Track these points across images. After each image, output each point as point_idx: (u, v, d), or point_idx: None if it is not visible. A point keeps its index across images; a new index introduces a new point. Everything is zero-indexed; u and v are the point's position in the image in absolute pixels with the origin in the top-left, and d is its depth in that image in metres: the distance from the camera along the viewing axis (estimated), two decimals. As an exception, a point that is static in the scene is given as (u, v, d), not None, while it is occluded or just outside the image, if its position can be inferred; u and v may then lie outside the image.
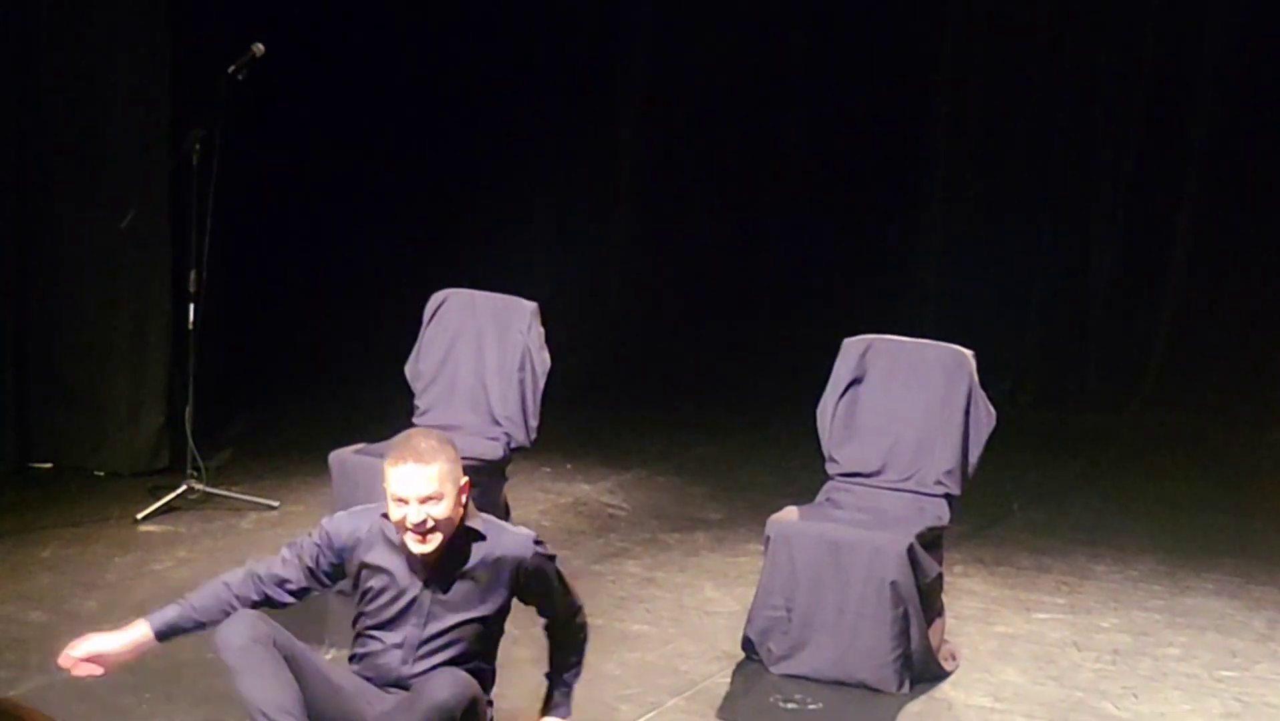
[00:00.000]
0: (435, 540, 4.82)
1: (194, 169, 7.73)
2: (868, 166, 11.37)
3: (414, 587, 4.92)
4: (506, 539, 4.99)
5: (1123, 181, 10.84)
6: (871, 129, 11.29)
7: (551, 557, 5.07)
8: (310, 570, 4.93)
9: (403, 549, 4.89)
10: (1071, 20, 10.79)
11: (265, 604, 4.90)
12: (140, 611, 6.31)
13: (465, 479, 4.90)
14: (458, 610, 4.91)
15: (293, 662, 4.76)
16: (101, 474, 8.36)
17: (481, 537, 4.93)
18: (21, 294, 8.37)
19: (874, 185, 11.37)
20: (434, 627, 4.91)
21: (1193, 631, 7.00)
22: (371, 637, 5.00)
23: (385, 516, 4.89)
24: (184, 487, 7.84)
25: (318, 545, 4.93)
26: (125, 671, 5.78)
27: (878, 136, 11.25)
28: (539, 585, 5.04)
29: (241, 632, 4.72)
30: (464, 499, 4.88)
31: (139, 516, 7.63)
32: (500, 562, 4.94)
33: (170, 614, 4.89)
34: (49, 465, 8.40)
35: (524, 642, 6.40)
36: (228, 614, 4.81)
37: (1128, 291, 10.94)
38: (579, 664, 5.22)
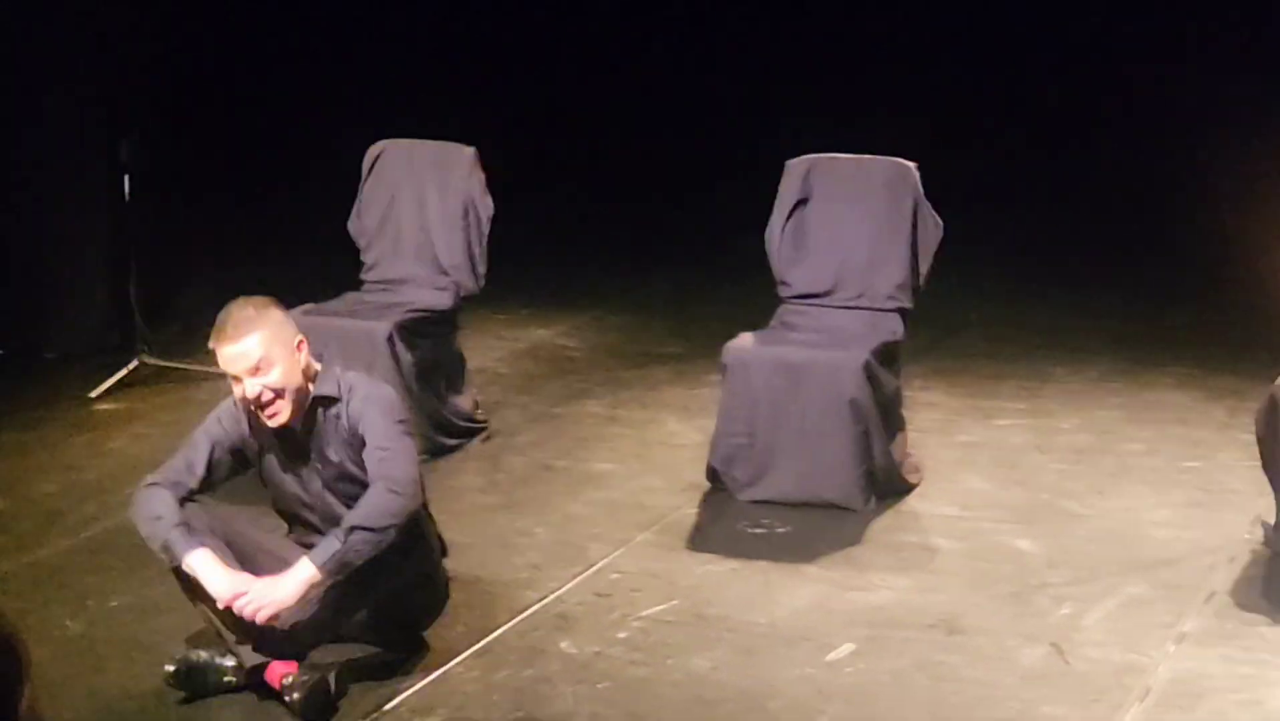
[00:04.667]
0: (283, 409, 4.68)
1: (120, 37, 7.55)
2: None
3: (299, 466, 4.84)
4: (362, 391, 4.80)
5: None
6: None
7: (395, 416, 4.77)
8: (214, 460, 4.79)
9: (274, 433, 4.79)
10: None
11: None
12: (100, 490, 6.35)
13: (299, 337, 4.73)
14: (348, 474, 4.80)
15: (229, 539, 4.71)
16: (51, 355, 8.26)
17: (336, 400, 4.78)
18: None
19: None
20: (335, 496, 4.84)
21: (1154, 426, 7.04)
22: (288, 517, 4.99)
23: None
24: (135, 363, 7.76)
25: (213, 442, 4.79)
26: (90, 550, 5.82)
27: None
28: (364, 427, 4.75)
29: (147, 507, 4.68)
30: (302, 359, 4.72)
31: (92, 395, 7.56)
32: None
33: (208, 552, 4.62)
34: (-1, 351, 8.32)
35: (489, 491, 6.43)
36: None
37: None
38: (361, 537, 4.52)
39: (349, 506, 4.70)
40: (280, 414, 4.70)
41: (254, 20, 9.58)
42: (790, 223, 6.59)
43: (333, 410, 4.79)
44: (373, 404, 4.75)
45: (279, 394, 4.67)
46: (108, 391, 7.60)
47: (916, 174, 6.48)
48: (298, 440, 4.83)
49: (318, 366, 4.85)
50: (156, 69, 7.88)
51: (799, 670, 4.87)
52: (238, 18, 9.46)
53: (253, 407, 4.70)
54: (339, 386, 4.81)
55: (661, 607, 5.32)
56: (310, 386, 4.78)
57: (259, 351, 4.63)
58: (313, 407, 4.79)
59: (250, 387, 4.65)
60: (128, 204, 7.74)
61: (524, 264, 9.11)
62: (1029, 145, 10.98)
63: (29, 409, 7.48)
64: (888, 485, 6.23)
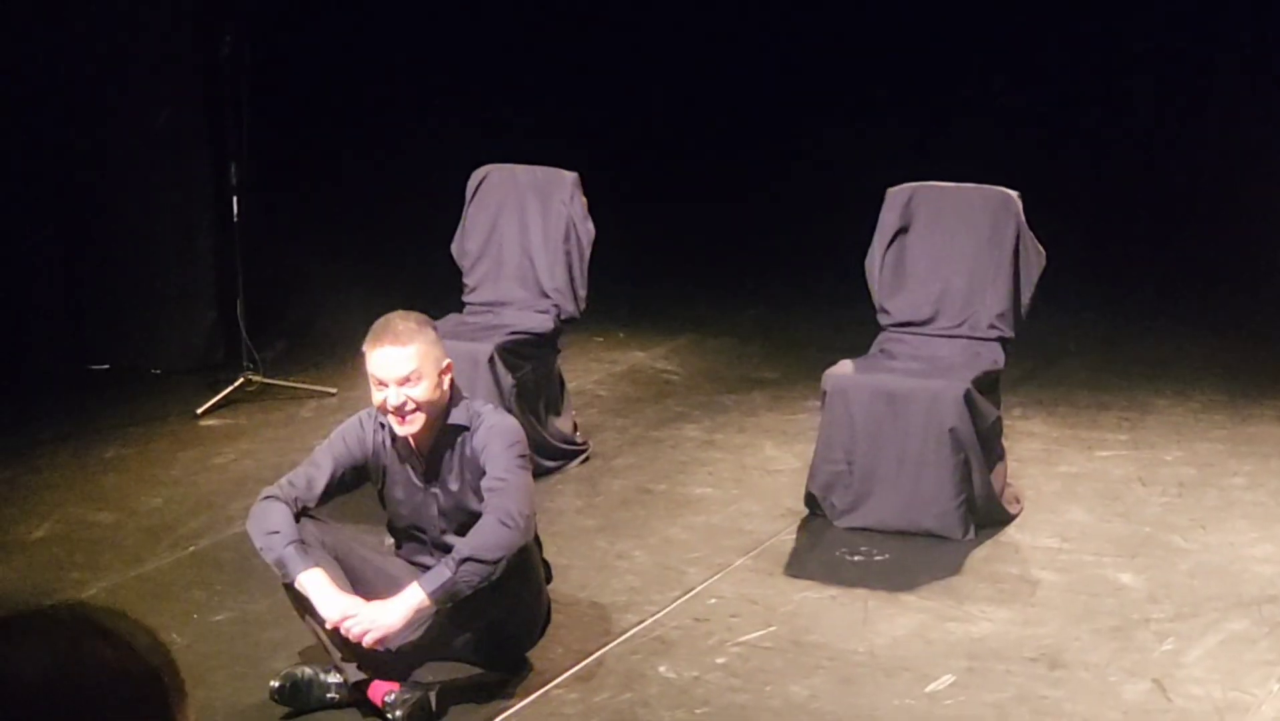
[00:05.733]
0: (416, 421, 4.78)
1: (225, 62, 7.68)
2: (902, 14, 11.21)
3: (418, 490, 4.92)
4: (489, 421, 4.87)
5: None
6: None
7: (516, 450, 4.83)
8: (335, 479, 4.88)
9: (400, 449, 4.89)
10: None
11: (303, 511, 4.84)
12: (207, 505, 6.45)
13: (447, 361, 4.86)
14: (466, 503, 4.88)
15: (341, 556, 4.78)
16: (158, 372, 8.40)
17: (465, 429, 4.87)
18: (65, 202, 8.38)
19: (907, 35, 11.21)
20: (449, 524, 4.91)
21: (1257, 459, 6.97)
22: (401, 535, 5.06)
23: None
24: (241, 380, 7.88)
25: (335, 461, 4.88)
26: (195, 565, 5.91)
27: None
28: (486, 457, 4.82)
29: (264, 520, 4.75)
30: (445, 381, 4.83)
31: (199, 411, 7.68)
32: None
33: (320, 572, 4.66)
34: (106, 366, 8.44)
35: (588, 513, 6.47)
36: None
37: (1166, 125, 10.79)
38: (471, 568, 4.59)
39: (461, 535, 4.76)
40: (413, 425, 4.79)
41: (359, 47, 9.71)
42: (891, 250, 6.59)
43: (460, 438, 4.87)
44: (497, 435, 4.83)
45: (419, 407, 4.77)
46: (214, 408, 7.71)
47: (1019, 202, 6.47)
48: (422, 464, 4.90)
49: (461, 396, 4.94)
50: (264, 89, 7.99)
51: (898, 700, 4.87)
52: (344, 42, 9.59)
53: (390, 414, 4.78)
54: (469, 415, 4.89)
55: (760, 633, 5.33)
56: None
57: (414, 363, 4.75)
58: (442, 434, 4.86)
59: (395, 395, 4.75)
60: (236, 223, 7.86)
61: (623, 287, 9.16)
62: (1130, 173, 10.90)
63: (136, 424, 7.60)
64: (987, 515, 6.21)
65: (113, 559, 6.01)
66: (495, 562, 4.60)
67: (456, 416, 4.88)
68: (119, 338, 8.48)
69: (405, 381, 4.75)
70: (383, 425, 4.90)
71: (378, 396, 4.79)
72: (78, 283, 8.45)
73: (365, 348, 4.83)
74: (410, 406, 4.76)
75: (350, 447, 4.92)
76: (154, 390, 8.14)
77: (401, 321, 4.82)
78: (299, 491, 4.81)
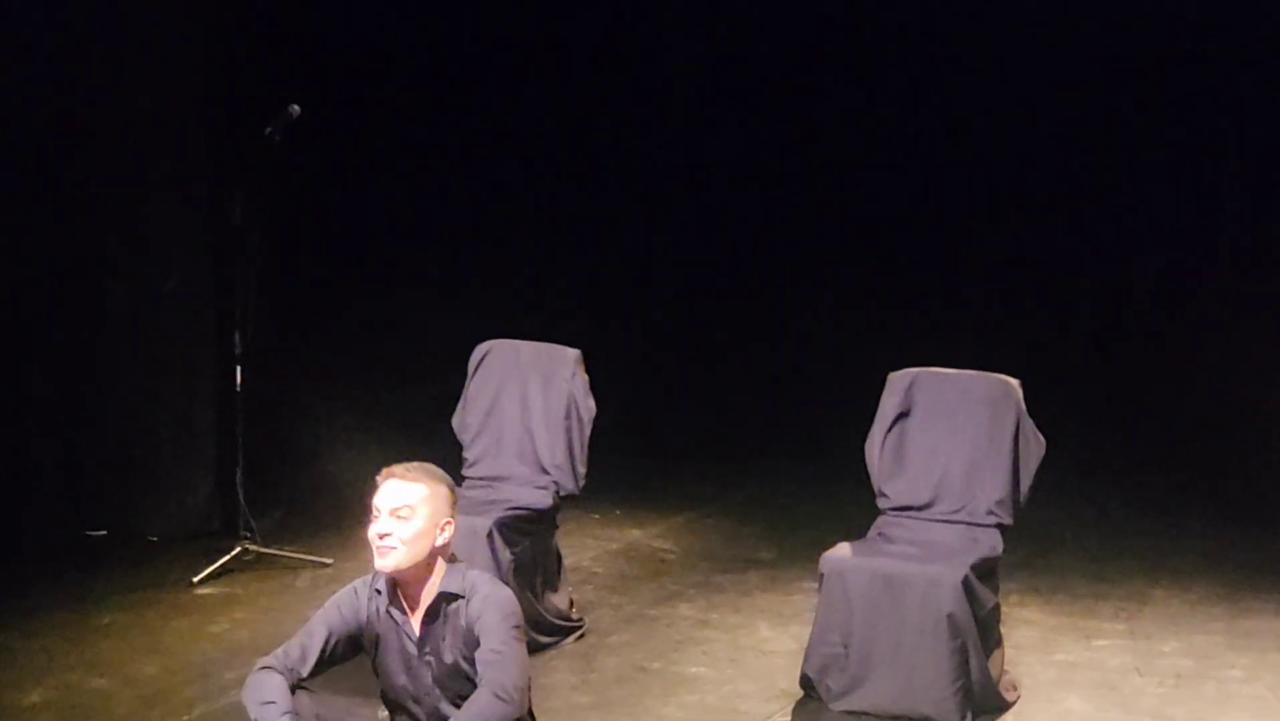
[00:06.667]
0: (390, 556, 4.76)
1: (235, 230, 7.79)
2: (903, 197, 11.37)
3: (412, 658, 4.91)
4: (484, 591, 4.88)
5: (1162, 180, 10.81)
6: (905, 154, 11.31)
7: (511, 622, 4.83)
8: (329, 647, 4.89)
9: (393, 624, 4.88)
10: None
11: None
12: (201, 674, 6.42)
13: (449, 520, 4.86)
14: (460, 673, 4.86)
15: None
16: (155, 539, 8.40)
17: (459, 597, 4.87)
18: (68, 363, 8.43)
19: (909, 216, 11.37)
20: (443, 692, 4.89)
21: (1255, 653, 6.95)
22: (394, 706, 5.03)
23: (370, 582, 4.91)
24: (238, 549, 7.88)
25: (329, 631, 4.89)
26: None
27: (914, 159, 11.29)
28: (480, 627, 4.83)
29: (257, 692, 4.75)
30: (440, 537, 4.83)
31: (194, 579, 7.66)
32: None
33: None
34: (103, 532, 8.44)
35: (582, 690, 6.44)
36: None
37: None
38: None
39: (456, 704, 4.73)
40: (386, 558, 4.78)
41: (365, 214, 9.82)
42: (891, 434, 6.63)
43: (454, 606, 4.86)
44: (492, 605, 4.82)
45: (401, 544, 4.77)
46: (210, 576, 7.70)
47: (1019, 390, 6.53)
48: (416, 631, 4.89)
49: (458, 562, 4.93)
50: (271, 259, 8.08)
51: None
52: (355, 215, 9.71)
53: (373, 543, 4.79)
54: (464, 583, 4.89)
55: (755, 817, 5.29)
56: (430, 572, 4.86)
57: (412, 500, 4.78)
58: (436, 602, 4.87)
59: (383, 524, 4.77)
60: (238, 393, 7.91)
61: (621, 465, 9.19)
62: (1131, 361, 10.98)
63: (131, 591, 7.58)
64: (985, 701, 6.18)
65: (104, 726, 5.97)
66: None
67: (451, 583, 4.88)
68: (116, 504, 8.49)
69: (396, 512, 4.77)
70: (379, 591, 4.91)
71: (371, 529, 4.82)
72: (76, 447, 8.47)
73: (378, 477, 4.89)
74: (390, 542, 4.76)
75: (345, 616, 4.93)
76: (150, 557, 8.14)
77: (422, 465, 4.90)
78: (293, 661, 4.81)
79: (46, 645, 6.83)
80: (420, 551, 4.81)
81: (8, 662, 6.61)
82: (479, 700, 4.62)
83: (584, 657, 6.82)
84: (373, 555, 4.83)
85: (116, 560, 8.08)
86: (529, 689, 4.80)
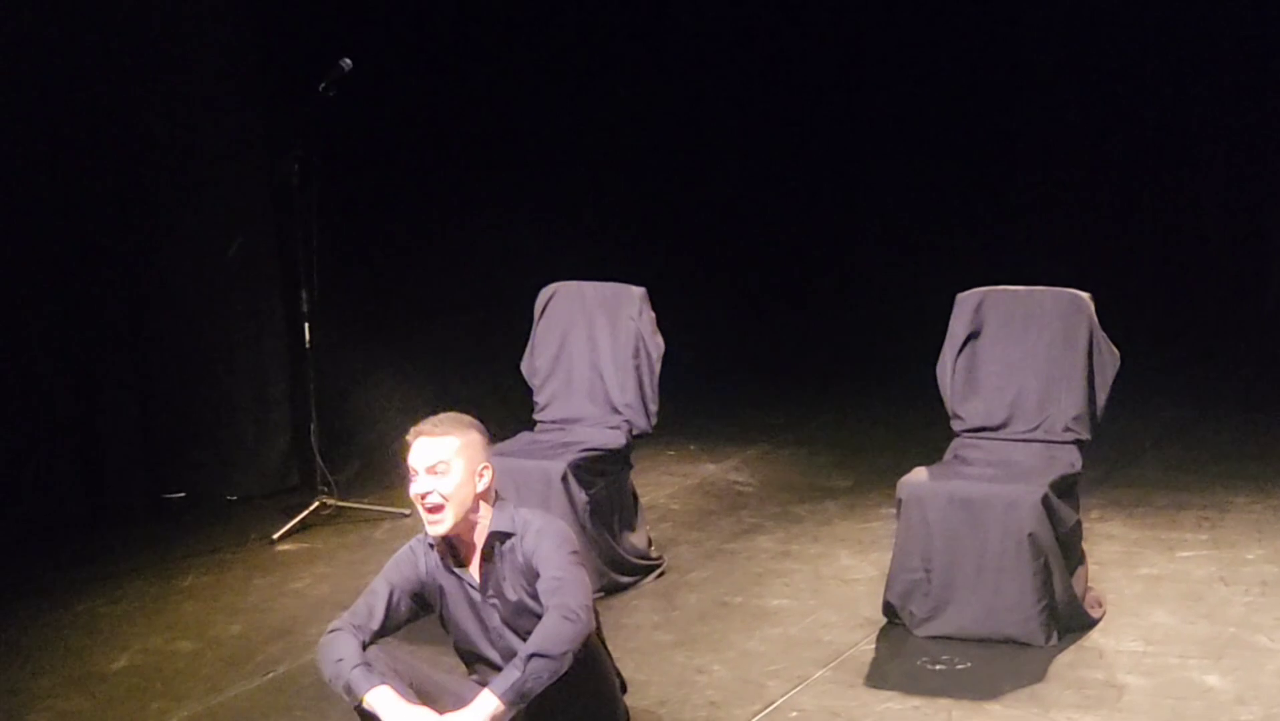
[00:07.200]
0: (444, 519, 4.79)
1: (294, 189, 7.79)
2: (964, 117, 11.26)
3: (477, 603, 4.92)
4: (536, 525, 4.91)
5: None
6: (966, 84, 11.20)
7: (568, 548, 4.87)
8: (394, 603, 4.91)
9: (452, 575, 4.91)
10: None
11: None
12: (285, 631, 6.46)
13: (486, 465, 4.87)
14: (526, 609, 4.87)
15: (411, 680, 4.78)
16: (234, 498, 8.45)
17: (511, 535, 4.89)
18: (138, 332, 8.48)
19: (971, 137, 11.25)
20: (513, 631, 4.90)
21: (1342, 554, 6.88)
22: (469, 656, 5.05)
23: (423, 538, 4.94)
24: (316, 504, 7.92)
25: (391, 587, 4.91)
26: (274, 691, 5.91)
27: (975, 76, 11.18)
28: (538, 559, 4.85)
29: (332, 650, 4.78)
30: (480, 483, 4.85)
31: (274, 536, 7.71)
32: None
33: (388, 689, 4.67)
34: (181, 495, 8.50)
35: (665, 628, 6.43)
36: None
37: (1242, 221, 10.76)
38: (539, 664, 4.58)
39: (526, 641, 4.75)
40: (439, 524, 4.81)
41: (429, 170, 9.81)
42: (962, 356, 6.57)
43: (508, 545, 4.89)
44: (546, 536, 4.86)
45: (444, 500, 4.79)
46: (289, 533, 7.74)
47: (1090, 304, 6.45)
48: (477, 576, 4.90)
49: (503, 501, 4.95)
50: (331, 214, 8.08)
51: (987, 811, 4.79)
52: (413, 166, 9.69)
53: (422, 511, 4.81)
54: (514, 522, 4.91)
55: (844, 747, 5.28)
56: (477, 516, 4.88)
57: (446, 454, 4.78)
58: (490, 542, 4.88)
59: (422, 484, 4.79)
60: (308, 350, 7.94)
61: (693, 400, 9.17)
62: (1200, 267, 10.85)
63: (213, 551, 7.63)
64: (1070, 620, 6.14)
65: (192, 687, 6.01)
66: (561, 656, 4.61)
67: (501, 523, 4.90)
68: (193, 465, 8.54)
69: (433, 470, 4.78)
70: (431, 546, 4.92)
71: (411, 489, 4.84)
72: (152, 412, 8.52)
73: (408, 437, 4.88)
74: (434, 501, 4.78)
75: (405, 573, 4.96)
76: (229, 517, 8.19)
77: (448, 416, 4.90)
78: (360, 619, 4.85)
79: (130, 610, 6.89)
80: (465, 502, 4.84)
81: (93, 629, 6.68)
82: (548, 623, 4.66)
83: (665, 596, 6.82)
84: (421, 520, 4.84)
85: (195, 521, 8.14)
86: (593, 607, 4.81)
